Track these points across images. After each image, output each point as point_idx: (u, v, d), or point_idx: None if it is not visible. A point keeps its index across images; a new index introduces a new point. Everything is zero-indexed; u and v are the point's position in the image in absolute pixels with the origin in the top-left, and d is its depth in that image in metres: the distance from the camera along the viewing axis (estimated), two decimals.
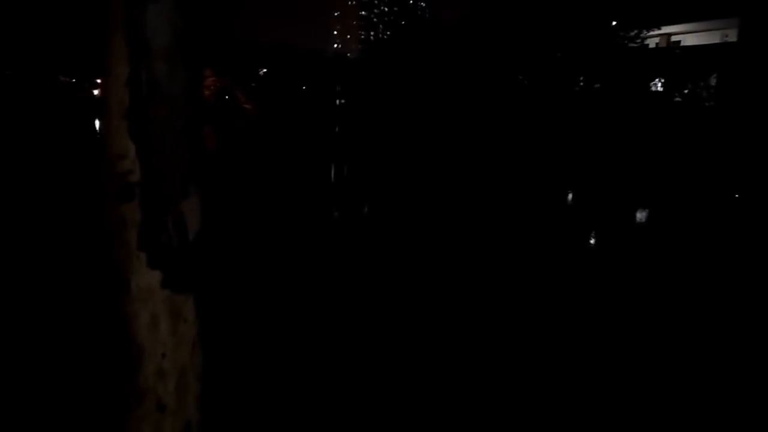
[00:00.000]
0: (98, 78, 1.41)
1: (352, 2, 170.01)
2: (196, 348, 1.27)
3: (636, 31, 22.87)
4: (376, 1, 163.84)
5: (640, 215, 8.39)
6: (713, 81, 21.20)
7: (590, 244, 6.87)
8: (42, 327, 3.94)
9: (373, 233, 7.10)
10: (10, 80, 37.13)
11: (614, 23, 22.35)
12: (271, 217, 7.67)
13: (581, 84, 23.08)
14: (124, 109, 1.21)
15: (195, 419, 1.27)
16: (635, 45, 23.00)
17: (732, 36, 26.25)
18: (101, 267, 1.24)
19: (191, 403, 1.26)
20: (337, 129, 23.29)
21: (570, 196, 9.89)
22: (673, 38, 31.36)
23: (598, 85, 22.37)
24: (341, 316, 4.33)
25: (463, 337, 3.99)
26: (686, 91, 20.36)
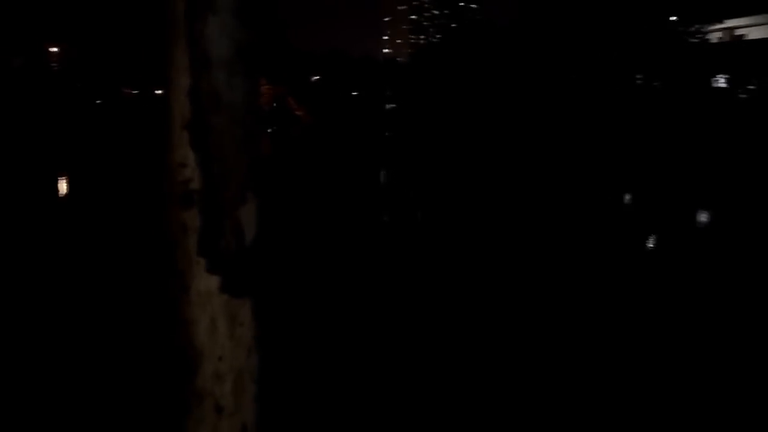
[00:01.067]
0: (159, 89, 1.46)
1: (402, 7, 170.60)
2: (253, 351, 1.30)
3: (697, 26, 22.03)
4: (426, 5, 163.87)
5: (704, 216, 8.06)
6: None
7: (652, 246, 6.65)
8: (106, 331, 4.11)
9: (424, 239, 7.09)
10: (80, 92, 39.05)
11: (673, 18, 21.60)
12: (324, 223, 7.77)
13: (639, 82, 22.39)
14: (186, 119, 1.25)
15: (251, 421, 1.30)
16: (696, 40, 22.15)
17: None
18: (163, 272, 1.29)
19: (247, 405, 1.29)
20: (387, 133, 23.39)
21: (630, 196, 9.60)
22: (737, 32, 30.00)
23: (658, 83, 21.64)
24: (392, 319, 4.35)
25: (513, 340, 3.94)
26: (751, 87, 19.44)
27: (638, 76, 22.61)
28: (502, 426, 2.88)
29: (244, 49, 1.31)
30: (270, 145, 4.97)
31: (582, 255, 6.19)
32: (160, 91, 1.44)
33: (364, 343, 3.92)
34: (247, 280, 1.28)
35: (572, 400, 3.11)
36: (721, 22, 23.80)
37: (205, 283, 1.25)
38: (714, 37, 25.95)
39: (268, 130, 5.38)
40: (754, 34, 28.02)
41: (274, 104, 5.75)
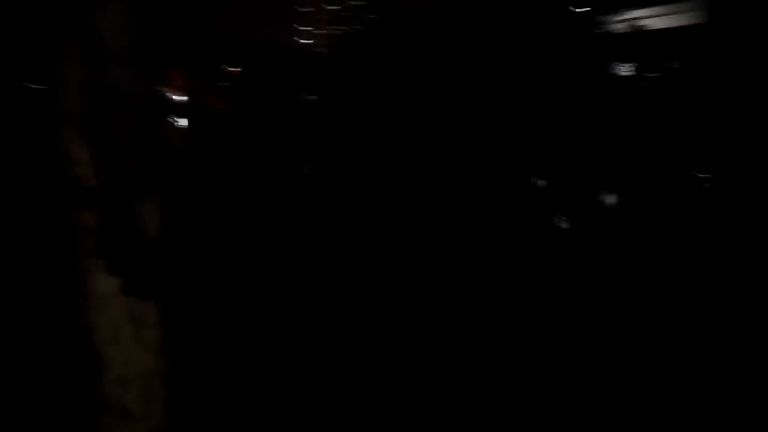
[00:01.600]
0: (42, 83, 1.37)
1: None
2: (161, 354, 1.25)
3: (601, 17, 23.10)
4: None
5: (611, 199, 8.51)
6: (680, 64, 21.51)
7: (564, 227, 6.96)
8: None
9: (348, 233, 7.09)
10: None
11: (579, 10, 22.58)
12: (240, 218, 7.59)
13: (548, 71, 23.29)
14: (78, 113, 1.18)
15: (162, 426, 1.26)
16: (599, 31, 23.22)
17: (698, 19, 26.69)
18: (61, 275, 1.22)
19: (157, 410, 1.25)
20: (311, 125, 23.12)
21: (541, 182, 9.99)
22: (639, 23, 31.72)
23: (565, 72, 22.60)
24: (312, 316, 4.31)
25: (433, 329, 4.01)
26: (653, 75, 20.65)
27: (547, 65, 23.51)
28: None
29: (142, 41, 1.25)
30: (183, 138, 4.80)
31: (492, 235, 6.39)
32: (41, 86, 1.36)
33: (274, 340, 3.85)
34: (151, 282, 1.23)
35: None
36: (624, 12, 25.08)
37: (106, 285, 1.20)
38: (617, 27, 27.32)
39: (182, 122, 5.21)
40: (654, 24, 29.74)
41: (196, 97, 5.58)
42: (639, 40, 25.20)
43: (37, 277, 4.82)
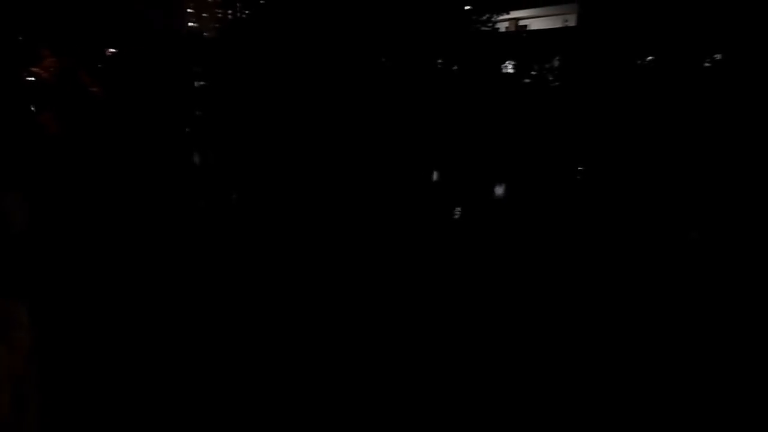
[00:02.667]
0: None
1: None
2: (34, 357, 1.15)
3: (487, 15, 24.09)
4: None
5: (500, 189, 8.93)
6: (557, 63, 22.97)
7: (458, 217, 7.20)
8: None
9: (240, 223, 6.90)
10: None
11: (467, 8, 23.38)
12: (120, 209, 7.14)
13: (440, 66, 23.94)
14: None
15: (36, 431, 1.16)
16: (487, 29, 24.24)
17: (572, 21, 28.64)
18: None
19: (31, 417, 1.15)
20: (197, 112, 22.21)
21: (437, 174, 10.27)
22: (521, 22, 33.52)
23: (455, 68, 23.33)
24: (205, 314, 4.17)
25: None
26: (534, 73, 21.86)
27: (438, 61, 24.16)
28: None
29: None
30: (56, 124, 4.43)
31: (389, 227, 6.51)
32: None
33: (150, 338, 3.68)
34: (19, 279, 1.13)
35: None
36: (508, 12, 26.32)
37: None
38: (502, 26, 28.67)
39: (55, 110, 4.79)
40: (534, 25, 31.55)
41: (68, 79, 5.15)
42: (521, 39, 26.45)
43: None
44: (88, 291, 4.24)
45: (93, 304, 4.08)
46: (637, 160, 11.13)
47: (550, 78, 24.21)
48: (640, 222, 6.91)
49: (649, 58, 19.19)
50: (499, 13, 27.94)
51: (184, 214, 7.18)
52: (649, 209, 7.54)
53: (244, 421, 2.83)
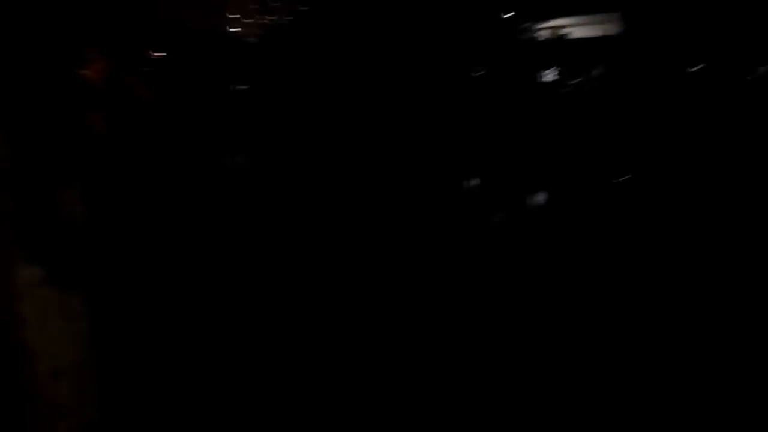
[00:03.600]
0: None
1: None
2: (92, 347, 1.21)
3: (527, 24, 23.81)
4: None
5: (540, 198, 8.84)
6: (598, 72, 22.56)
7: (497, 223, 7.16)
8: None
9: (276, 227, 7.00)
10: None
11: (506, 15, 23.19)
12: (166, 207, 7.32)
13: (478, 75, 23.80)
14: None
15: (94, 420, 1.22)
16: (526, 37, 23.97)
17: (614, 30, 28.16)
18: None
19: (89, 404, 1.20)
20: (239, 116, 22.59)
21: (477, 180, 10.22)
22: (562, 31, 33.11)
23: (492, 76, 23.14)
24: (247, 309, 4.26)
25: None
26: (574, 82, 21.54)
27: (477, 69, 24.01)
28: None
29: (59, 19, 1.19)
30: (103, 125, 4.58)
31: (429, 234, 6.51)
32: None
33: (205, 333, 3.80)
34: (77, 271, 1.18)
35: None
36: (548, 21, 26.01)
37: (29, 274, 1.14)
38: (542, 35, 28.35)
39: (103, 109, 4.95)
40: (576, 33, 31.07)
41: (117, 81, 5.31)
42: (561, 47, 26.11)
43: None
44: (142, 283, 4.39)
45: (147, 296, 4.23)
46: (683, 172, 10.87)
47: (592, 87, 23.82)
48: (689, 236, 6.74)
49: (697, 67, 18.68)
50: (540, 21, 27.60)
51: (225, 210, 7.34)
52: (699, 222, 7.35)
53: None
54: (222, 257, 5.49)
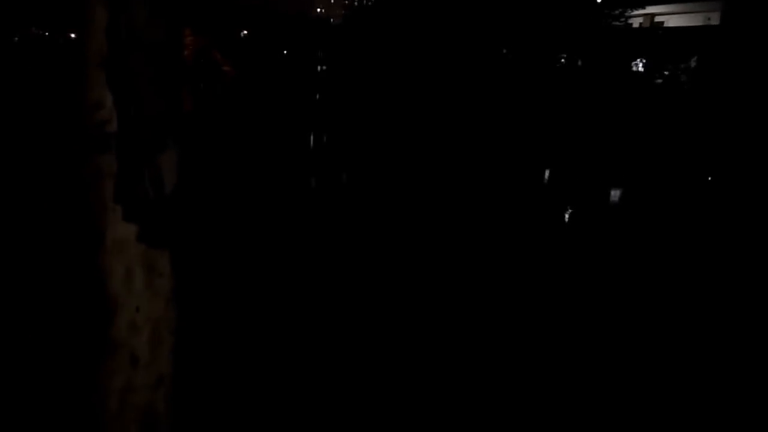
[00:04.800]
0: (72, 31, 1.35)
1: None
2: (171, 303, 1.26)
3: (620, 10, 22.85)
4: None
5: (617, 194, 8.51)
6: (694, 63, 21.37)
7: (569, 220, 6.97)
8: (17, 279, 3.89)
9: (348, 204, 7.09)
10: None
11: (599, 1, 22.30)
12: (247, 182, 7.60)
13: (564, 61, 23.08)
14: (102, 57, 1.18)
15: (167, 373, 1.28)
16: (619, 24, 23.00)
17: (714, 19, 26.41)
18: (77, 219, 1.23)
19: (164, 357, 1.26)
20: (318, 96, 23.04)
21: (550, 174, 9.97)
22: (657, 18, 31.42)
23: (581, 63, 22.39)
24: (311, 289, 4.34)
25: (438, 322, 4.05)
26: (667, 73, 20.49)
27: (563, 56, 23.27)
28: None
29: None
30: (192, 101, 4.78)
31: (502, 227, 6.41)
32: (73, 34, 1.35)
33: (279, 308, 3.91)
34: (166, 230, 1.24)
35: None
36: (643, 7, 24.81)
37: (121, 230, 1.20)
38: (636, 21, 27.05)
39: (191, 86, 5.17)
40: (672, 21, 29.47)
41: (205, 57, 5.50)
42: (655, 36, 24.81)
43: (54, 217, 4.86)
44: (220, 247, 4.62)
45: (224, 258, 4.44)
46: None
47: (685, 79, 22.59)
48: None
49: None
50: (634, 8, 26.39)
51: (297, 187, 7.54)
52: None
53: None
54: (292, 228, 5.65)
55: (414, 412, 2.78)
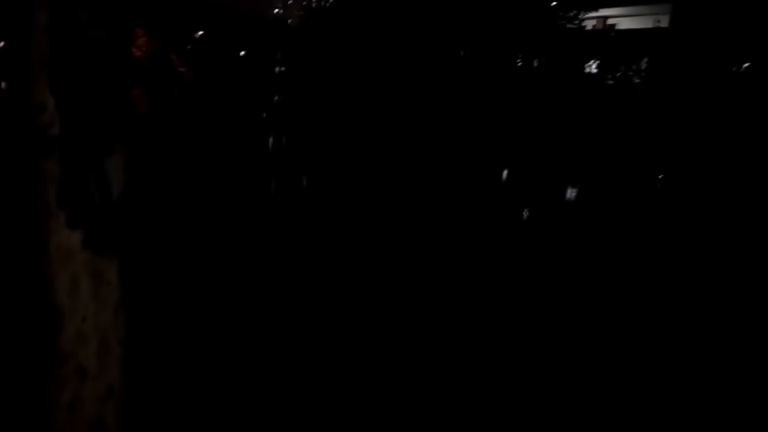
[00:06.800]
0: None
1: None
2: (120, 312, 1.22)
3: (574, 12, 23.32)
4: None
5: (572, 192, 8.68)
6: (644, 65, 21.96)
7: (526, 218, 7.07)
8: None
9: (307, 206, 7.05)
10: None
11: (554, 3, 22.73)
12: (203, 186, 7.45)
13: (520, 62, 23.42)
14: (44, 58, 1.14)
15: (117, 384, 1.24)
16: (573, 26, 23.46)
17: (664, 22, 27.27)
18: (22, 226, 1.17)
19: (113, 368, 1.22)
20: (276, 98, 22.78)
21: (505, 173, 10.11)
22: (609, 21, 32.24)
23: (536, 64, 22.75)
24: (268, 288, 4.29)
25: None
26: (619, 74, 21.02)
27: (519, 55, 23.60)
28: None
29: None
30: (146, 102, 4.65)
31: (461, 224, 6.46)
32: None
33: (221, 304, 3.85)
34: (113, 237, 1.20)
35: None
36: (596, 10, 25.38)
37: (66, 238, 1.16)
38: (589, 24, 27.68)
39: (146, 88, 5.02)
40: (624, 24, 30.28)
41: (159, 58, 5.35)
42: (608, 38, 25.40)
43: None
44: (172, 254, 4.49)
45: (176, 266, 4.32)
46: (725, 171, 10.56)
47: (636, 80, 23.20)
48: (727, 234, 6.55)
49: (746, 65, 18.07)
50: (587, 10, 26.98)
51: (256, 192, 7.43)
52: (737, 221, 7.14)
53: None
54: (250, 233, 5.56)
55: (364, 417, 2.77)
